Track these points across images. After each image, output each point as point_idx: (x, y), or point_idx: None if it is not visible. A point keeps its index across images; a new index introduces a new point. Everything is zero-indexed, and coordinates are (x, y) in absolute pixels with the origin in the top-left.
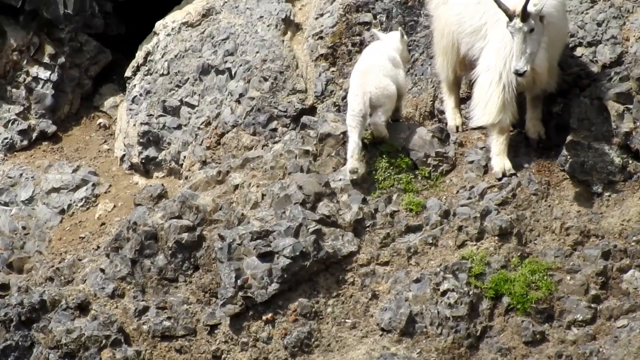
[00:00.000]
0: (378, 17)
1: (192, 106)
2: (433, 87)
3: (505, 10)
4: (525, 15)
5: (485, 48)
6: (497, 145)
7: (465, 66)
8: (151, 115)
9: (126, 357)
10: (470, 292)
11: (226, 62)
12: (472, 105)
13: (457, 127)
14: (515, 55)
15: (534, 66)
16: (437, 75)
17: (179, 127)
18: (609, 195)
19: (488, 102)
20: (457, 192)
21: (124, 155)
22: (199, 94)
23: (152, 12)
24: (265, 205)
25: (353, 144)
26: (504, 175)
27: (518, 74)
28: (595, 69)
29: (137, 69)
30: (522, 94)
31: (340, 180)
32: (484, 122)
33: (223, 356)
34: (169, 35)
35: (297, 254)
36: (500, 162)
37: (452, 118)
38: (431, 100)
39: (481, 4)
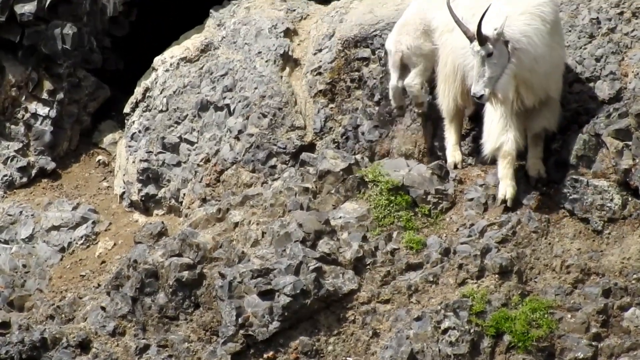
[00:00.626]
0: (377, 52)
1: (192, 143)
2: (432, 124)
3: (465, 32)
4: (481, 38)
5: None
6: (501, 169)
7: (467, 97)
8: (150, 152)
9: None
10: (472, 330)
11: (225, 98)
12: (483, 136)
13: (457, 164)
14: (474, 78)
15: (495, 91)
16: (439, 106)
17: (178, 164)
18: (609, 233)
19: (491, 126)
20: (457, 229)
21: (123, 193)
22: (198, 131)
23: (150, 47)
24: (266, 243)
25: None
26: (504, 201)
27: (475, 97)
28: (594, 105)
29: (136, 105)
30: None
31: (340, 217)
32: (488, 147)
33: None
34: (167, 71)
35: (298, 292)
36: (503, 187)
37: (452, 155)
38: (430, 137)
39: None
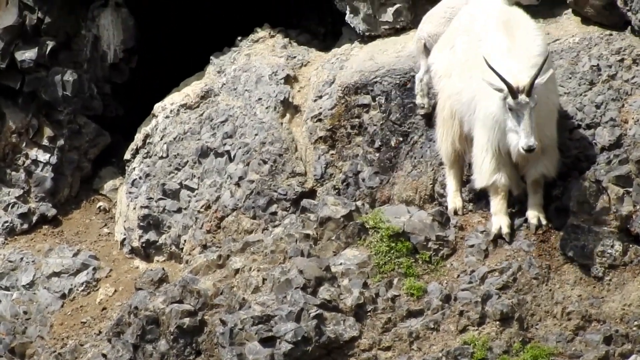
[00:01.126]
0: (377, 99)
1: (192, 189)
2: (433, 170)
3: (509, 87)
4: (531, 90)
5: (476, 118)
6: (494, 205)
7: (465, 142)
8: (151, 198)
9: None
10: None
11: (225, 144)
12: (472, 170)
13: (457, 211)
14: (525, 132)
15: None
16: (438, 150)
17: (179, 210)
18: (610, 280)
19: (482, 166)
20: (458, 276)
21: (124, 239)
22: (199, 177)
23: (150, 94)
24: (266, 289)
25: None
26: (499, 234)
27: (529, 150)
28: (594, 151)
29: (137, 151)
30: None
31: (341, 264)
32: (479, 184)
33: None
34: (167, 117)
35: (299, 339)
36: (497, 222)
37: (453, 201)
38: (431, 184)
39: (472, 78)
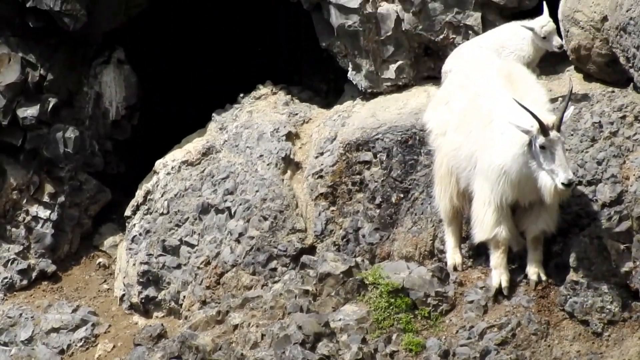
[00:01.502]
0: (378, 155)
1: (192, 245)
2: (433, 226)
3: (540, 123)
4: (560, 125)
5: (478, 171)
6: (494, 259)
7: (464, 198)
8: (151, 254)
9: None
10: None
11: (226, 201)
12: (472, 224)
13: (457, 267)
14: (563, 167)
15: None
16: (436, 207)
17: (178, 266)
18: (609, 335)
19: (483, 219)
20: (457, 332)
21: (123, 295)
22: (199, 233)
23: (152, 150)
24: (265, 345)
25: None
26: (499, 289)
27: (570, 184)
28: (595, 207)
29: (137, 208)
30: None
31: (340, 320)
32: (480, 238)
33: None
34: (168, 174)
35: None
36: (497, 276)
37: (452, 257)
38: (431, 240)
39: (472, 132)
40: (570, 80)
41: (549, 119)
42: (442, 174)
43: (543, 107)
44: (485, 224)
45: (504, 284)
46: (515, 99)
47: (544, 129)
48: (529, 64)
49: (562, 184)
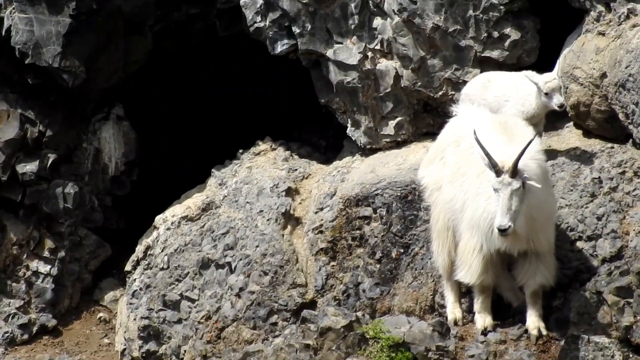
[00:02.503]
0: (378, 211)
1: (193, 300)
2: (433, 281)
3: (494, 165)
4: (514, 171)
5: (466, 218)
6: (479, 303)
7: None
8: (151, 309)
9: None
10: None
11: (226, 256)
12: (458, 264)
13: (457, 321)
14: (501, 211)
15: (515, 227)
16: (435, 263)
17: (179, 321)
18: None
19: (471, 265)
20: None
21: (124, 350)
22: (199, 288)
23: (151, 206)
24: None
25: None
26: (484, 332)
27: (501, 229)
28: (595, 263)
29: (137, 263)
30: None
31: None
32: (467, 281)
33: None
34: (168, 229)
35: None
36: (482, 319)
37: (452, 312)
38: (431, 294)
39: (464, 184)
40: (539, 134)
41: (505, 161)
42: (439, 229)
43: (530, 162)
44: (473, 269)
45: (489, 327)
46: (475, 133)
47: (496, 170)
48: (530, 119)
49: (496, 227)
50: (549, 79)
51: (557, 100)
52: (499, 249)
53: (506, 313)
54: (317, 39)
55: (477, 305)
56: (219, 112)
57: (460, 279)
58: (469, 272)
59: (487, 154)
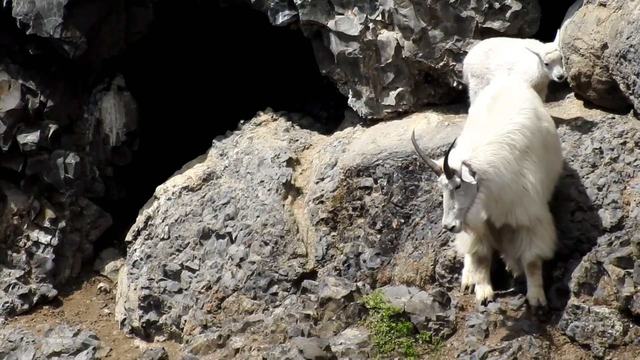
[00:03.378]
0: (379, 181)
1: (193, 270)
2: (434, 251)
3: (432, 167)
4: (448, 172)
5: None
6: (478, 274)
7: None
8: (152, 279)
9: None
10: None
11: (227, 226)
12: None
13: (468, 287)
14: (444, 211)
15: (466, 222)
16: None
17: (179, 291)
18: (610, 359)
19: (464, 236)
20: (458, 355)
21: (124, 319)
22: (200, 258)
23: (152, 176)
24: None
25: None
26: (484, 302)
27: (447, 229)
28: (595, 233)
29: (138, 233)
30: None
31: (341, 344)
32: (461, 251)
33: None
34: (169, 199)
35: None
36: (481, 289)
37: (466, 276)
38: (432, 265)
39: None
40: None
41: (439, 163)
42: None
43: (490, 138)
44: (466, 240)
45: (489, 298)
46: (414, 140)
47: (435, 172)
48: (535, 86)
49: (444, 226)
50: (550, 49)
51: (557, 72)
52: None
53: (507, 283)
54: (319, 9)
55: (476, 277)
56: (220, 83)
57: (456, 249)
58: (463, 242)
59: (423, 157)
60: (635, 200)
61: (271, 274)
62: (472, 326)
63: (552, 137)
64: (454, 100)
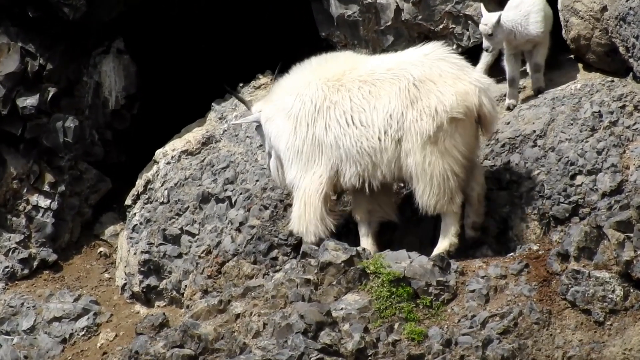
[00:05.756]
0: None
1: (193, 235)
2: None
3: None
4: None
5: None
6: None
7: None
8: (152, 244)
9: None
10: None
11: (226, 190)
12: None
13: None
14: None
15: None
16: None
17: (179, 255)
18: (611, 324)
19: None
20: (459, 321)
21: (125, 284)
22: (199, 223)
23: (152, 140)
24: (267, 334)
25: None
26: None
27: None
28: (595, 197)
29: (137, 197)
30: None
31: (342, 309)
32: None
33: None
34: (168, 163)
35: None
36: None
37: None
38: (432, 229)
39: None
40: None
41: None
42: None
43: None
44: None
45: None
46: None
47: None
48: None
49: None
50: (484, 21)
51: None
52: None
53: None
54: None
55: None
56: (220, 46)
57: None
58: None
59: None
60: (634, 164)
61: (271, 239)
62: (473, 291)
63: None
64: None
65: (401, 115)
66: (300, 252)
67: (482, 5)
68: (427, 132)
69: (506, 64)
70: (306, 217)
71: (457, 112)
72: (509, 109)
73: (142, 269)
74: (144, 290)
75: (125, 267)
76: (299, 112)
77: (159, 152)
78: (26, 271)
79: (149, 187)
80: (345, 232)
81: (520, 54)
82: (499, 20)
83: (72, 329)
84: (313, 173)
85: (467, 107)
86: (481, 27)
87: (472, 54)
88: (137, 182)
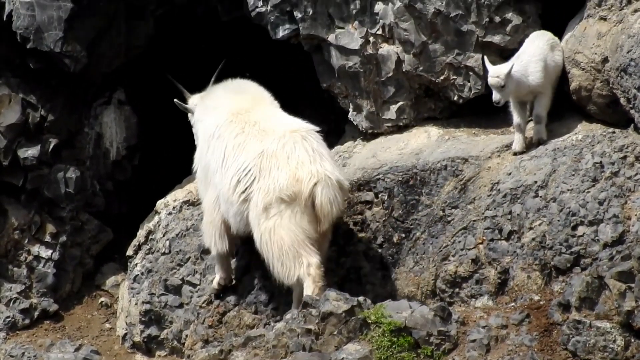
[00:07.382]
0: (380, 195)
1: (194, 285)
2: (435, 266)
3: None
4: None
5: None
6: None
7: None
8: (153, 294)
9: None
10: None
11: None
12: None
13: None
14: None
15: None
16: None
17: (180, 305)
18: None
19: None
20: None
21: (126, 334)
22: (201, 273)
23: (153, 191)
24: None
25: None
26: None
27: None
28: (596, 247)
29: (139, 247)
30: None
31: (342, 358)
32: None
33: None
34: (170, 214)
35: None
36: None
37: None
38: (433, 279)
39: None
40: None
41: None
42: None
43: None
44: None
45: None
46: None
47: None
48: None
49: None
50: (493, 73)
51: (494, 97)
52: None
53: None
54: (319, 23)
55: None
56: None
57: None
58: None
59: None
60: (636, 215)
61: (272, 289)
62: (474, 341)
63: None
64: (455, 114)
65: (253, 179)
66: (302, 302)
67: (486, 58)
68: (262, 204)
69: (513, 111)
70: (209, 232)
71: (285, 194)
72: (515, 154)
73: (143, 318)
74: (145, 340)
75: (127, 317)
76: (208, 129)
77: (160, 203)
78: (27, 321)
79: (150, 237)
80: (347, 282)
81: (526, 102)
82: (510, 72)
83: None
84: (210, 193)
85: (295, 193)
86: (492, 80)
87: (472, 106)
88: (138, 233)
